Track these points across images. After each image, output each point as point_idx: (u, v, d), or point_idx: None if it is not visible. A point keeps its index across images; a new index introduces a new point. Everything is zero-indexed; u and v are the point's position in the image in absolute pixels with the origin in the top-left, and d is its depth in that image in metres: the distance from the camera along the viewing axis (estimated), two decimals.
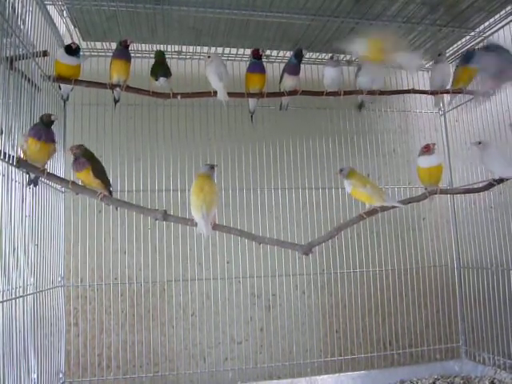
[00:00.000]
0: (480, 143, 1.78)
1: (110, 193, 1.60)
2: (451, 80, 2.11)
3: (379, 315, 2.23)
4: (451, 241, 2.33)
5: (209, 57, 1.87)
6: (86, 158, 1.52)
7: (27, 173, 1.49)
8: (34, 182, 1.56)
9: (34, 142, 1.40)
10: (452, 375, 2.08)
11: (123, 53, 1.79)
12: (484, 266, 2.08)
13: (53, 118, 1.44)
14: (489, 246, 2.05)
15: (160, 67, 1.82)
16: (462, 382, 1.98)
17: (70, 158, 1.55)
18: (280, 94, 1.98)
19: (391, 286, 2.24)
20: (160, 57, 1.85)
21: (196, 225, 1.53)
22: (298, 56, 1.90)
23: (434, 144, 1.74)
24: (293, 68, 1.92)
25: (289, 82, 1.94)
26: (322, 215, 2.18)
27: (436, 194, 1.79)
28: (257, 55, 1.88)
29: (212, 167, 1.59)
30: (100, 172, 1.56)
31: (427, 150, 1.72)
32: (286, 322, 2.16)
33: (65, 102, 1.93)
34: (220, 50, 2.10)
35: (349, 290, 2.20)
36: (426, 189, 1.79)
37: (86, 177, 1.52)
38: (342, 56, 2.17)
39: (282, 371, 2.09)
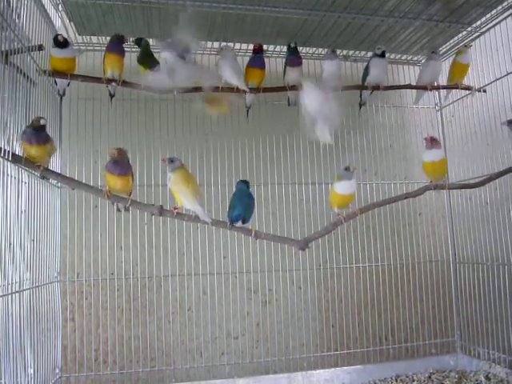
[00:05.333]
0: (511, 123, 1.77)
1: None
2: (447, 75, 2.12)
3: (375, 310, 2.25)
4: (447, 236, 2.34)
5: (221, 49, 1.88)
6: (128, 163, 1.55)
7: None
8: (45, 177, 1.58)
9: (27, 146, 1.41)
10: (447, 369, 2.09)
11: (116, 46, 1.78)
12: (479, 261, 2.09)
13: (42, 122, 1.41)
14: (484, 242, 2.06)
15: (150, 58, 1.82)
16: (457, 376, 1.99)
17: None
18: (276, 89, 1.99)
19: (387, 281, 2.24)
20: (147, 45, 1.84)
21: (193, 219, 1.57)
22: (290, 49, 1.95)
23: (432, 137, 1.74)
24: (291, 60, 1.95)
25: (291, 75, 1.96)
26: (319, 210, 2.18)
27: (444, 189, 1.80)
28: (257, 50, 1.90)
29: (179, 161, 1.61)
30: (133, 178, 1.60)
31: (427, 144, 1.74)
32: (283, 316, 2.17)
33: (61, 97, 1.91)
34: (216, 44, 2.09)
35: (345, 285, 2.21)
36: (431, 182, 1.79)
37: (126, 182, 1.54)
38: (339, 51, 2.17)
39: (278, 366, 2.10)
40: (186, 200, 1.53)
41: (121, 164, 1.52)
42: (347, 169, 1.67)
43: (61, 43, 1.70)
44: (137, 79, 1.83)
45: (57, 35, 1.70)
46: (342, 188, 1.67)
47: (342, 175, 1.67)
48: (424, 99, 2.34)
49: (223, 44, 2.06)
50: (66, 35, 1.74)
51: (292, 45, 1.95)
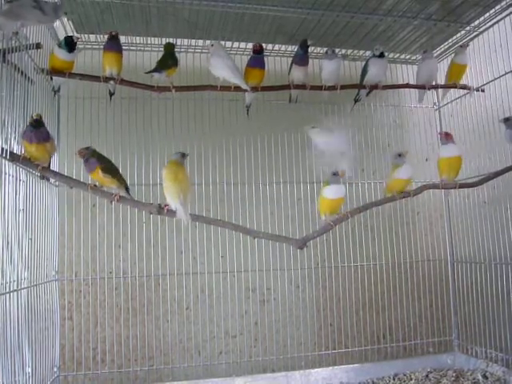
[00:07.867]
0: (508, 120, 1.78)
1: (128, 190, 1.63)
2: (445, 75, 2.12)
3: (373, 309, 2.25)
4: (445, 235, 2.34)
5: (212, 45, 1.86)
6: (94, 157, 1.54)
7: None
8: (45, 177, 1.59)
9: (27, 145, 1.42)
10: (445, 368, 2.10)
11: (113, 44, 1.77)
12: (477, 261, 2.09)
13: (34, 116, 1.41)
14: (482, 241, 2.07)
15: (159, 61, 1.82)
16: (454, 374, 2.00)
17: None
18: (275, 88, 1.98)
19: (385, 280, 2.25)
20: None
21: (174, 214, 1.51)
22: (304, 46, 1.92)
23: (446, 132, 1.77)
24: (300, 59, 1.95)
25: (297, 73, 1.96)
26: (317, 209, 2.18)
27: (455, 188, 1.82)
28: (258, 50, 1.89)
29: (183, 155, 1.59)
30: (111, 170, 1.57)
31: (443, 138, 1.76)
32: (281, 315, 2.17)
33: (55, 93, 1.89)
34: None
35: (343, 284, 2.21)
36: (441, 181, 1.80)
37: (97, 176, 1.54)
38: (337, 50, 2.17)
39: (276, 364, 2.10)
40: (167, 195, 1.49)
41: (87, 162, 1.55)
42: (335, 174, 1.67)
43: (70, 47, 1.70)
44: (135, 78, 1.83)
45: (67, 37, 1.70)
46: (330, 192, 1.66)
47: (330, 180, 1.67)
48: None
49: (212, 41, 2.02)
50: (66, 34, 1.73)
51: (308, 42, 1.93)
